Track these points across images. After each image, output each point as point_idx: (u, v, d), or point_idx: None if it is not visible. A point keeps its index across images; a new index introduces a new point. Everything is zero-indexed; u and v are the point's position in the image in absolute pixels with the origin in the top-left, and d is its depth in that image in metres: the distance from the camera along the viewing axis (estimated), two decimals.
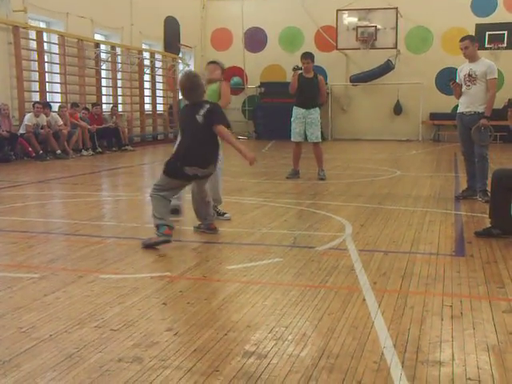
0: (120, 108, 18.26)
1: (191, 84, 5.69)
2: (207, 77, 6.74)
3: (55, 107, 15.15)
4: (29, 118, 13.81)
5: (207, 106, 5.63)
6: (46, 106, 14.45)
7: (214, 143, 5.68)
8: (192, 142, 5.58)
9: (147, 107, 20.14)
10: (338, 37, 21.54)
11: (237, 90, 22.21)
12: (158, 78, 20.91)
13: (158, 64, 20.99)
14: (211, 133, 5.58)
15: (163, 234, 5.32)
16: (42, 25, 15.97)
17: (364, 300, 3.88)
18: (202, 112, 5.57)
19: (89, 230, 6.11)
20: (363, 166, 12.47)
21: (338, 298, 3.93)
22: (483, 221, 6.38)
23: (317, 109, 10.19)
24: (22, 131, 13.78)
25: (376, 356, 3.02)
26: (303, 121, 10.11)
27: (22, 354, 3.05)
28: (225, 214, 6.69)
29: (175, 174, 5.56)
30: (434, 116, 21.40)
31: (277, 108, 20.19)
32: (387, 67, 21.35)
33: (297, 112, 10.16)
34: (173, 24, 21.28)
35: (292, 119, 10.20)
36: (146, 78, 20.17)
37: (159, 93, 20.99)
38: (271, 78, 22.28)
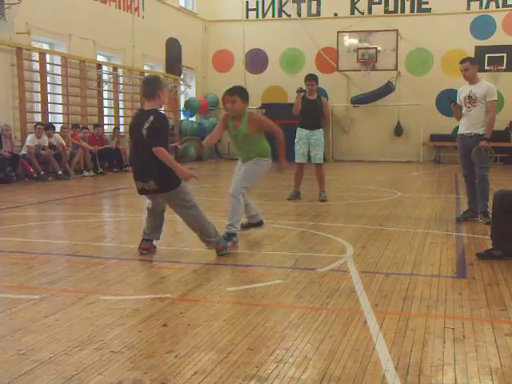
0: (122, 129, 18.33)
1: (149, 77, 6.10)
2: (229, 113, 6.54)
3: (57, 128, 15.20)
4: (30, 139, 13.86)
5: (151, 118, 5.58)
6: (49, 126, 14.52)
7: (158, 159, 5.56)
8: (134, 154, 5.85)
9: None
10: (339, 58, 21.71)
11: None
12: None
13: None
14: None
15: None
16: (45, 46, 16.09)
17: (365, 322, 3.87)
18: (146, 125, 5.57)
19: (90, 251, 6.10)
20: (364, 188, 12.48)
21: (339, 321, 3.91)
22: (484, 242, 6.37)
23: (321, 130, 10.25)
24: (23, 152, 13.82)
25: (378, 379, 3.00)
26: (307, 142, 10.15)
27: (22, 376, 3.03)
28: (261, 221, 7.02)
29: (137, 190, 5.82)
30: (434, 137, 21.46)
31: (283, 134, 20.21)
32: (388, 89, 21.47)
33: (300, 133, 10.21)
34: (174, 45, 21.43)
35: (296, 140, 10.23)
36: None
37: None
38: (272, 99, 22.37)
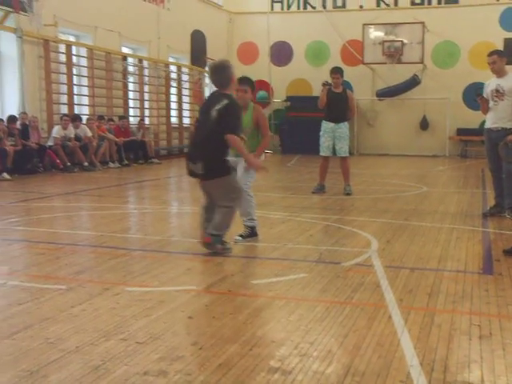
0: (147, 121, 18.42)
1: (218, 64, 5.63)
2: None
3: (83, 120, 15.33)
4: (57, 131, 13.99)
5: (225, 101, 5.37)
6: (76, 118, 14.65)
7: (217, 144, 5.39)
8: (195, 134, 5.68)
9: (174, 120, 20.29)
10: (364, 51, 21.57)
11: (263, 103, 22.27)
12: (185, 92, 21.06)
13: (185, 77, 21.15)
14: (220, 136, 5.36)
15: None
16: (72, 38, 16.21)
17: (390, 317, 3.85)
18: (217, 106, 5.38)
19: (115, 243, 6.15)
20: (389, 182, 12.41)
21: (363, 315, 3.90)
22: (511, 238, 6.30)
23: (346, 123, 10.20)
24: (50, 143, 13.96)
25: (402, 375, 2.99)
26: (332, 135, 10.10)
27: (50, 364, 3.07)
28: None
29: (187, 170, 5.64)
30: (461, 131, 21.23)
31: (303, 122, 20.22)
32: (413, 82, 21.28)
33: (326, 126, 10.17)
34: (199, 38, 21.45)
35: (321, 133, 10.19)
36: (173, 91, 20.33)
37: (186, 106, 21.13)
38: (297, 92, 22.31)
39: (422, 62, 21.16)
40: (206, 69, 22.14)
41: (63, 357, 3.17)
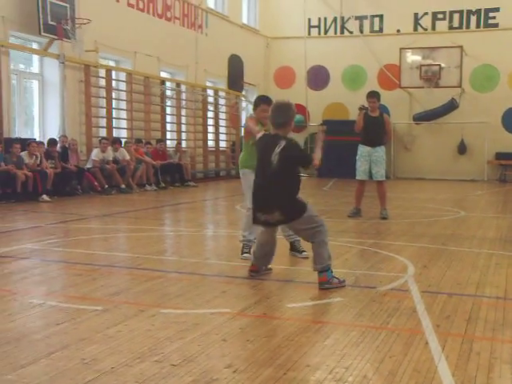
0: (184, 144, 18.61)
1: (283, 105, 5.39)
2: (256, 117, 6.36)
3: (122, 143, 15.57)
4: (96, 154, 14.24)
5: (283, 142, 5.20)
6: (116, 141, 14.90)
7: (288, 187, 5.25)
8: (262, 183, 5.32)
9: (210, 144, 20.46)
10: (402, 75, 21.52)
11: (299, 127, 22.33)
12: (222, 115, 21.26)
13: (222, 101, 21.36)
14: (286, 174, 5.21)
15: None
16: (112, 63, 16.55)
17: (427, 343, 3.78)
18: (277, 150, 5.18)
19: (151, 264, 6.19)
20: (426, 206, 12.27)
21: (399, 341, 3.84)
22: None
23: (382, 147, 10.15)
24: (88, 166, 14.20)
25: None
26: (368, 159, 10.06)
27: None
28: (303, 251, 6.52)
29: (254, 220, 5.39)
30: (500, 156, 20.94)
31: (339, 146, 20.16)
32: (451, 106, 21.12)
33: (362, 150, 10.14)
34: (237, 62, 21.67)
35: (357, 157, 10.17)
36: (210, 114, 20.54)
37: (222, 130, 21.31)
38: (334, 116, 22.32)
39: (459, 86, 21.02)
40: (243, 93, 22.35)
41: (98, 377, 3.19)
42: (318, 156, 5.48)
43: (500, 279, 5.62)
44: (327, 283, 5.21)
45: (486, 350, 3.67)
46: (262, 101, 6.38)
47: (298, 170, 5.41)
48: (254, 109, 6.45)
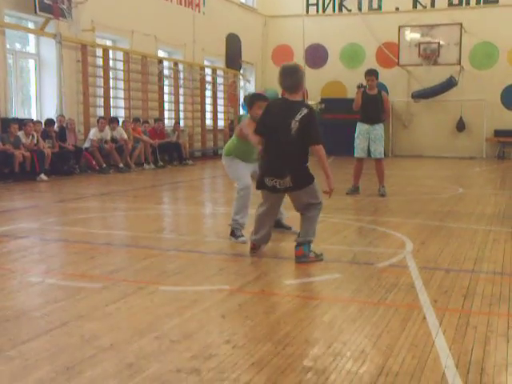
0: (181, 123, 18.55)
1: (290, 67, 5.32)
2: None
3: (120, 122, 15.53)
4: (93, 133, 14.21)
5: (305, 110, 5.14)
6: (114, 120, 14.85)
7: (302, 154, 5.23)
8: (272, 147, 5.28)
9: (208, 122, 20.41)
10: (400, 53, 21.39)
11: None
12: (220, 94, 21.17)
13: (220, 80, 21.25)
14: (303, 142, 5.16)
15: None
16: (109, 43, 16.45)
17: (424, 318, 3.80)
18: (297, 117, 5.12)
19: (149, 242, 6.20)
20: (424, 183, 12.27)
21: (397, 316, 3.86)
22: None
23: (381, 125, 10.12)
24: (86, 145, 14.18)
25: (437, 376, 2.95)
26: (367, 137, 10.04)
27: (85, 361, 3.11)
28: (291, 228, 6.51)
29: (260, 185, 5.38)
30: (498, 133, 20.92)
31: (337, 124, 20.14)
32: (450, 83, 21.04)
33: (361, 128, 10.12)
34: (234, 41, 21.53)
35: (356, 135, 10.15)
36: (208, 93, 20.45)
37: (220, 108, 21.23)
38: (332, 95, 22.25)
39: (459, 64, 20.89)
40: (241, 72, 22.24)
41: (98, 354, 3.21)
42: (332, 180, 5.41)
43: (497, 255, 5.64)
44: (303, 257, 5.28)
45: (482, 324, 3.69)
46: (257, 98, 6.12)
47: None
48: (249, 109, 6.12)
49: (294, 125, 5.11)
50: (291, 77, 5.26)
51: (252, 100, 6.13)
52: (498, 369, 3.05)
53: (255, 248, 5.63)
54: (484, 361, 3.14)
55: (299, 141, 5.15)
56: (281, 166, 5.22)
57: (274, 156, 5.29)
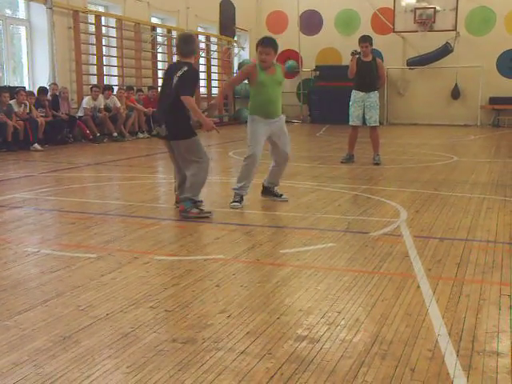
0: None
1: (182, 37, 6.19)
2: (257, 61, 6.53)
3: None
4: (87, 101, 14.10)
5: (185, 68, 5.82)
6: (108, 88, 14.73)
7: (179, 108, 5.77)
8: (159, 99, 6.11)
9: (202, 90, 20.25)
10: (395, 19, 21.13)
11: (292, 73, 22.11)
12: (214, 62, 20.98)
13: (214, 47, 21.05)
14: (179, 98, 5.73)
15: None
16: (101, 9, 16.22)
17: (418, 287, 3.84)
18: (178, 73, 5.80)
19: (144, 212, 6.20)
20: (419, 151, 12.27)
21: (391, 285, 3.89)
22: None
23: (376, 92, 10.06)
24: (80, 114, 14.08)
25: (430, 344, 2.99)
26: (362, 104, 9.99)
27: (81, 331, 3.13)
28: (281, 195, 6.75)
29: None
30: (494, 100, 20.82)
31: (332, 92, 20.04)
32: (445, 50, 20.87)
33: (356, 95, 10.05)
34: (228, 7, 21.28)
35: (350, 103, 10.09)
36: (202, 61, 20.27)
37: (214, 76, 21.07)
38: (326, 62, 22.08)
39: (454, 30, 20.67)
40: (235, 39, 22.02)
41: (94, 323, 3.23)
42: (206, 121, 5.89)
43: (491, 223, 5.67)
44: (184, 212, 5.87)
45: (475, 292, 3.73)
46: (258, 43, 6.49)
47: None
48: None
49: (175, 80, 5.80)
50: (186, 44, 5.99)
51: (256, 45, 6.52)
52: (490, 336, 3.09)
53: (178, 201, 6.12)
54: (476, 328, 3.18)
55: (177, 95, 5.76)
56: (160, 114, 6.03)
57: (158, 106, 6.20)
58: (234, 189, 6.52)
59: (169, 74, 6.00)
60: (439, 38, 20.71)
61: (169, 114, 5.88)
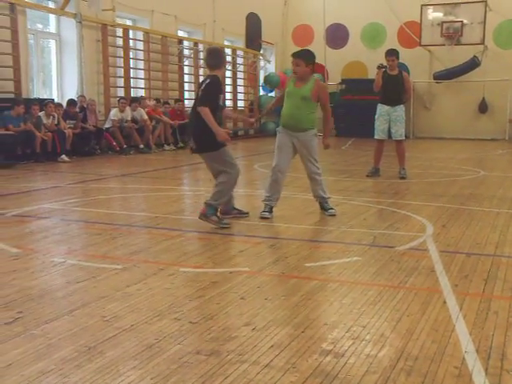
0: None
1: (209, 50, 6.35)
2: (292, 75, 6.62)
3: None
4: (114, 113, 14.24)
5: (207, 80, 5.96)
6: (135, 100, 14.87)
7: (204, 122, 5.80)
8: (191, 114, 6.19)
9: (228, 103, 20.35)
10: (422, 32, 21.06)
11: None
12: (240, 75, 21.09)
13: (240, 60, 21.16)
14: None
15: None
16: (129, 22, 16.43)
17: (445, 302, 3.79)
18: (202, 86, 5.96)
19: (169, 224, 6.23)
20: (446, 166, 12.17)
21: (417, 300, 3.85)
22: None
23: (402, 106, 10.01)
24: (107, 126, 14.22)
25: (457, 361, 2.94)
26: (387, 118, 9.95)
27: (106, 341, 3.15)
28: (329, 209, 6.72)
29: None
30: None
31: (358, 105, 20.01)
32: (473, 64, 20.71)
33: (381, 109, 10.02)
34: (254, 20, 21.40)
35: (376, 116, 10.06)
36: (228, 74, 20.37)
37: (240, 89, 21.17)
38: (352, 75, 22.06)
39: (482, 43, 20.53)
40: (261, 52, 22.11)
41: (119, 334, 3.24)
42: (220, 132, 5.88)
43: None
44: (203, 215, 5.95)
45: (503, 309, 3.67)
46: (292, 55, 6.57)
47: (217, 105, 5.97)
48: None
49: (200, 92, 5.94)
50: (213, 58, 6.12)
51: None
52: None
53: (222, 213, 6.26)
54: (505, 346, 3.13)
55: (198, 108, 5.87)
56: (189, 128, 6.29)
57: (189, 120, 6.41)
58: (263, 200, 6.61)
59: (198, 88, 6.14)
60: (466, 52, 20.57)
61: (195, 128, 5.99)
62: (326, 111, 6.74)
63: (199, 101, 5.87)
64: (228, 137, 5.92)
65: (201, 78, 18.58)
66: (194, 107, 5.98)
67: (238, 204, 7.89)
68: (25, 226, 6.12)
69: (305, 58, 6.43)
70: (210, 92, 5.91)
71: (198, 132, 5.96)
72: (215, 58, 6.12)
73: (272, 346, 3.10)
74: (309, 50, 6.65)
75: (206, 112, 5.76)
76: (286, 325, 3.40)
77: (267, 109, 6.92)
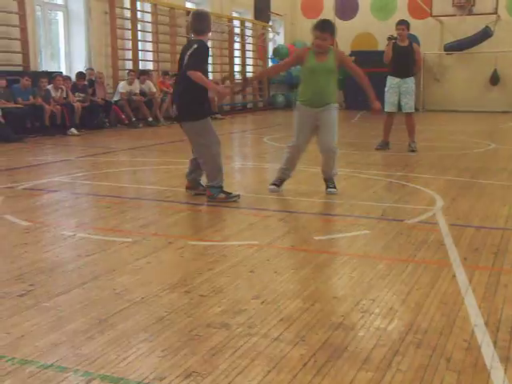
0: (210, 76, 18.39)
1: (195, 15, 6.01)
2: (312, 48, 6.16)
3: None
4: (123, 86, 14.19)
5: (195, 45, 5.70)
6: (145, 73, 14.80)
7: (191, 88, 5.64)
8: (175, 82, 6.05)
9: (237, 76, 20.23)
10: (433, 3, 20.75)
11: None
12: (248, 47, 20.92)
13: (248, 32, 20.98)
14: (189, 79, 5.61)
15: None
16: None
17: (454, 276, 3.79)
18: (189, 51, 5.68)
19: (179, 197, 6.24)
20: (456, 139, 12.09)
21: (426, 273, 3.85)
22: None
23: (412, 78, 9.91)
24: (115, 98, 14.18)
25: (466, 334, 2.95)
26: (397, 90, 9.86)
27: (117, 314, 3.17)
28: (330, 187, 6.39)
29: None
30: None
31: (367, 77, 19.81)
32: (485, 34, 20.40)
33: (391, 81, 9.92)
34: None
35: (386, 89, 9.97)
36: (236, 46, 20.23)
37: (249, 61, 21.01)
38: (362, 47, 21.82)
39: (495, 13, 20.20)
40: (270, 23, 21.90)
41: (129, 307, 3.27)
42: (217, 88, 5.88)
43: None
44: (211, 197, 5.87)
45: None
46: (314, 27, 6.13)
47: (206, 70, 5.90)
48: None
49: (187, 58, 5.67)
50: (199, 22, 5.90)
51: (312, 29, 6.18)
52: None
53: (188, 187, 6.20)
54: None
55: (186, 73, 5.66)
56: (174, 96, 6.08)
57: (173, 88, 6.24)
58: (278, 171, 6.49)
59: (182, 55, 5.83)
60: (478, 22, 20.27)
61: (181, 95, 5.82)
62: (355, 70, 6.43)
63: (189, 65, 5.60)
64: (228, 91, 5.84)
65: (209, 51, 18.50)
66: (181, 74, 5.78)
67: (247, 176, 7.91)
68: (35, 199, 6.15)
69: (332, 31, 6.09)
70: (200, 56, 5.73)
71: (185, 99, 5.76)
72: (202, 22, 5.89)
73: (281, 320, 3.11)
74: (331, 22, 6.27)
75: (198, 75, 5.55)
76: (296, 298, 3.41)
77: (248, 81, 6.72)
